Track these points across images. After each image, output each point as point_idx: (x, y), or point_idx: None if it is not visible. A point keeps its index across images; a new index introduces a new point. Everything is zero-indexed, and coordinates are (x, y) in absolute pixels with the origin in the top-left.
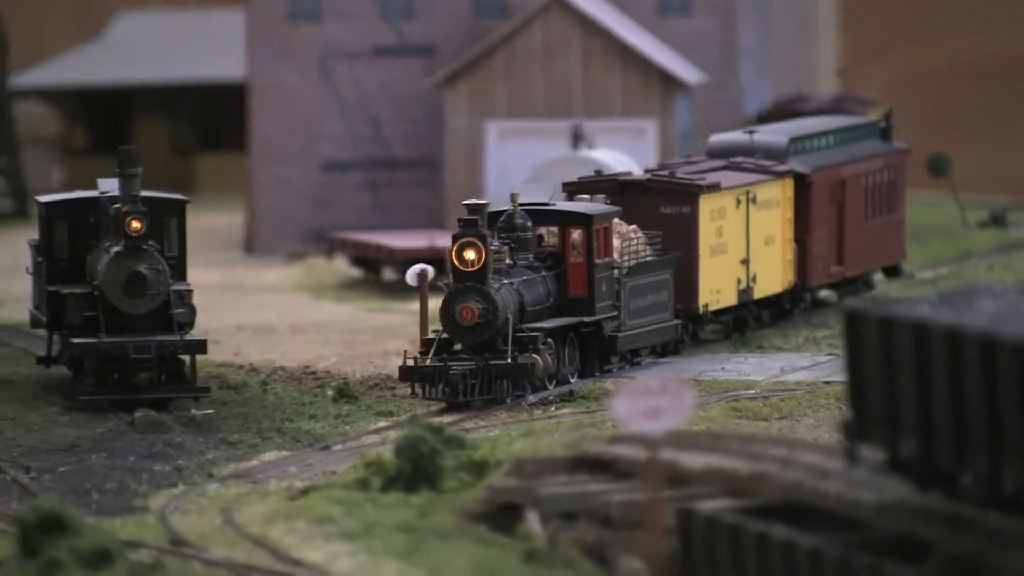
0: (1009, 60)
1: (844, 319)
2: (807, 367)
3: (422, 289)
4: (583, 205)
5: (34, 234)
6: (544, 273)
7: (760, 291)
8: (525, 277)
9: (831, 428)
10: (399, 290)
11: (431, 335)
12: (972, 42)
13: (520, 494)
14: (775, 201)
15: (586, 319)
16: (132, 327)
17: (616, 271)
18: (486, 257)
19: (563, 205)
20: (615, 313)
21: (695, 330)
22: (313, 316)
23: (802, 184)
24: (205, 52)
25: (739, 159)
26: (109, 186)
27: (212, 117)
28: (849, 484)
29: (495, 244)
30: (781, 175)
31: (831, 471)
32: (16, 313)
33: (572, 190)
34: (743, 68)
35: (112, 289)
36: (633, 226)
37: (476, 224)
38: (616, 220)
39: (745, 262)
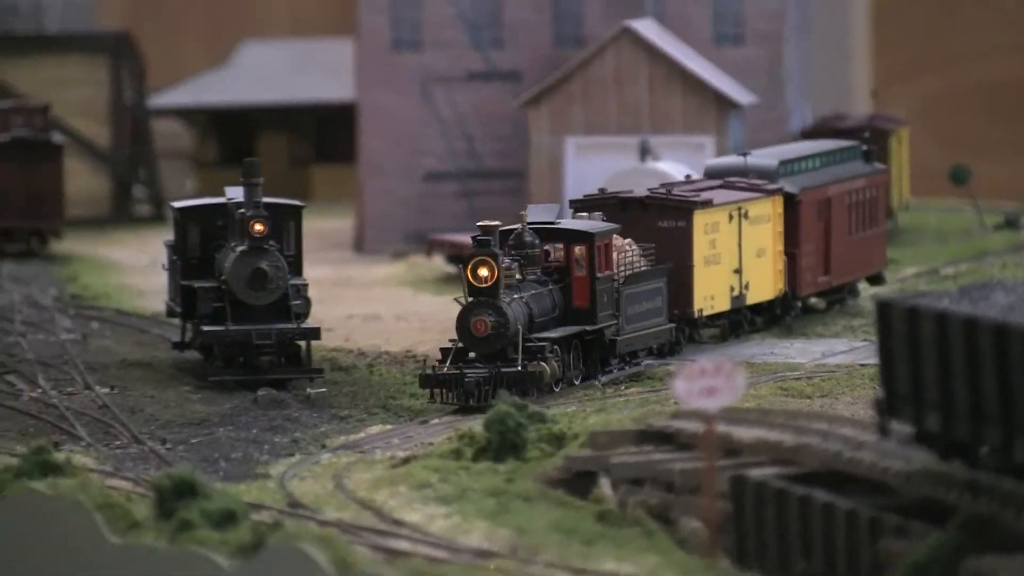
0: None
1: (876, 309)
2: (845, 351)
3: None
4: (585, 224)
5: (169, 235)
6: (551, 286)
7: (752, 298)
8: (533, 291)
9: (865, 405)
10: None
11: (447, 344)
12: (990, 68)
13: (593, 463)
14: (766, 217)
15: (589, 328)
16: (255, 317)
17: (614, 281)
18: (498, 274)
19: (567, 223)
20: (615, 321)
21: (691, 333)
22: (414, 307)
23: (791, 203)
24: (319, 76)
25: (734, 179)
26: (235, 193)
27: (325, 134)
28: (880, 454)
29: (506, 261)
30: (771, 193)
31: (865, 443)
32: (154, 304)
33: (579, 207)
34: (787, 91)
35: (238, 283)
36: (628, 240)
37: (489, 244)
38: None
39: (738, 271)
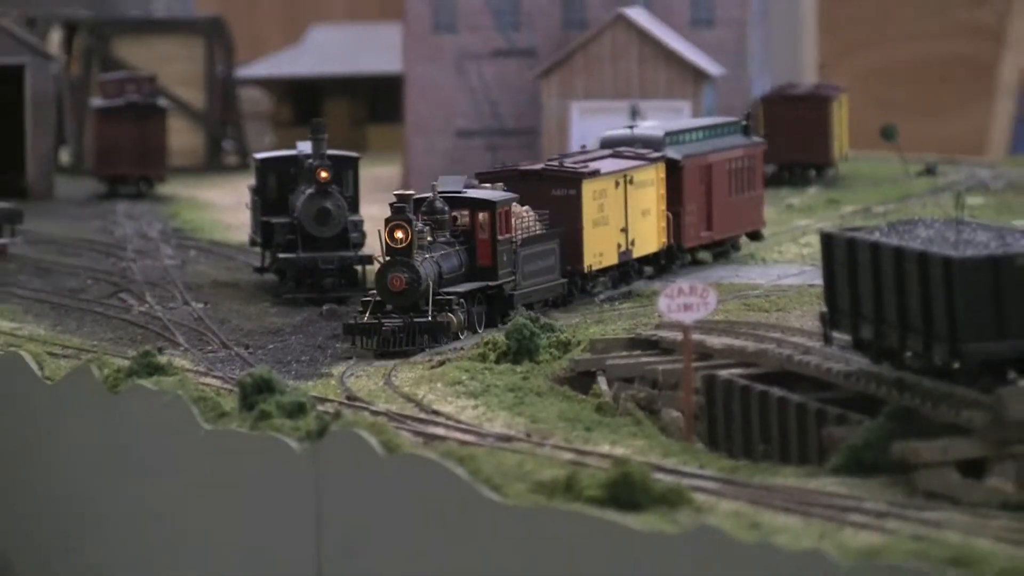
0: (943, 61)
1: (822, 240)
2: (796, 275)
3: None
4: (488, 193)
5: (252, 181)
6: (458, 247)
7: (638, 252)
8: (442, 251)
9: (812, 318)
10: None
11: (367, 297)
12: (915, 48)
13: (593, 364)
14: (650, 181)
15: (491, 283)
16: (320, 246)
17: (513, 243)
18: (411, 237)
19: (472, 193)
20: (513, 277)
21: (583, 285)
22: None
23: (676, 168)
24: (373, 53)
25: (623, 149)
26: (305, 147)
27: (378, 99)
28: (825, 358)
29: (419, 225)
30: (654, 161)
31: (812, 349)
32: (239, 236)
33: (484, 179)
34: (750, 65)
35: (306, 219)
36: (526, 207)
37: (404, 210)
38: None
39: (624, 230)
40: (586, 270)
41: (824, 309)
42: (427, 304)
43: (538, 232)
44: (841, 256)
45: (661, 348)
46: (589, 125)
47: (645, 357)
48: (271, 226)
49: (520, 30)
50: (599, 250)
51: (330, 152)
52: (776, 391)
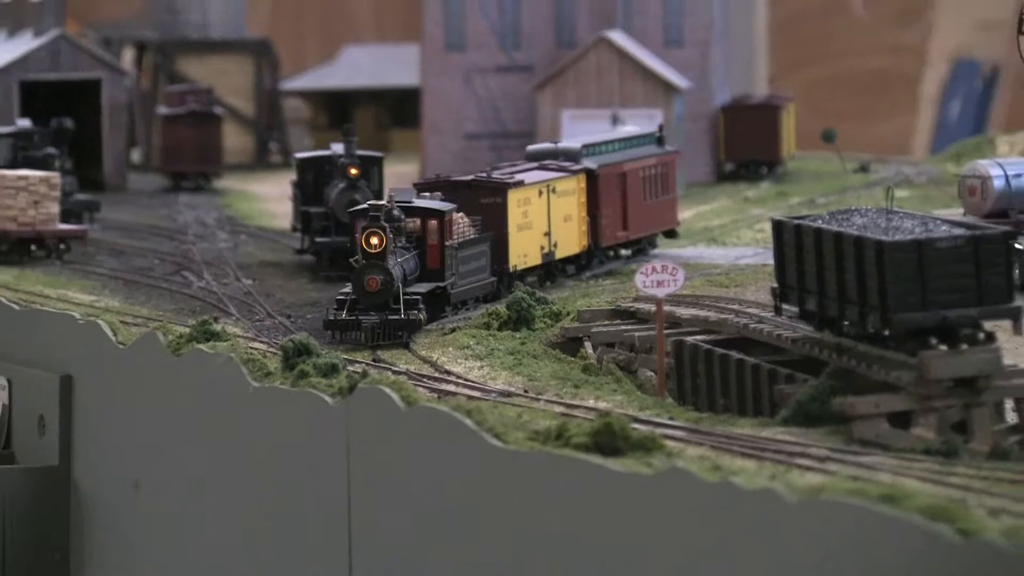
0: (875, 75)
1: (773, 226)
2: (751, 256)
3: None
4: (435, 203)
5: (293, 177)
6: (413, 252)
7: (560, 253)
8: (403, 256)
9: (766, 292)
10: None
11: (341, 296)
12: (852, 63)
13: (580, 331)
14: (572, 190)
15: (440, 284)
16: (351, 231)
17: (453, 247)
18: (386, 242)
19: (422, 203)
20: (453, 278)
21: (509, 283)
22: None
23: (593, 176)
24: (397, 69)
25: (547, 161)
26: (338, 148)
27: (401, 107)
28: (776, 326)
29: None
30: (575, 172)
31: (765, 318)
32: (283, 223)
33: (422, 189)
34: (713, 79)
35: (339, 209)
36: (460, 214)
37: (379, 219)
38: None
39: (547, 234)
40: (511, 270)
41: (775, 285)
42: (397, 302)
43: (471, 236)
44: (789, 240)
45: (638, 318)
46: (578, 129)
47: (624, 325)
48: (309, 215)
49: (520, 49)
50: (524, 252)
51: (359, 152)
52: (735, 354)
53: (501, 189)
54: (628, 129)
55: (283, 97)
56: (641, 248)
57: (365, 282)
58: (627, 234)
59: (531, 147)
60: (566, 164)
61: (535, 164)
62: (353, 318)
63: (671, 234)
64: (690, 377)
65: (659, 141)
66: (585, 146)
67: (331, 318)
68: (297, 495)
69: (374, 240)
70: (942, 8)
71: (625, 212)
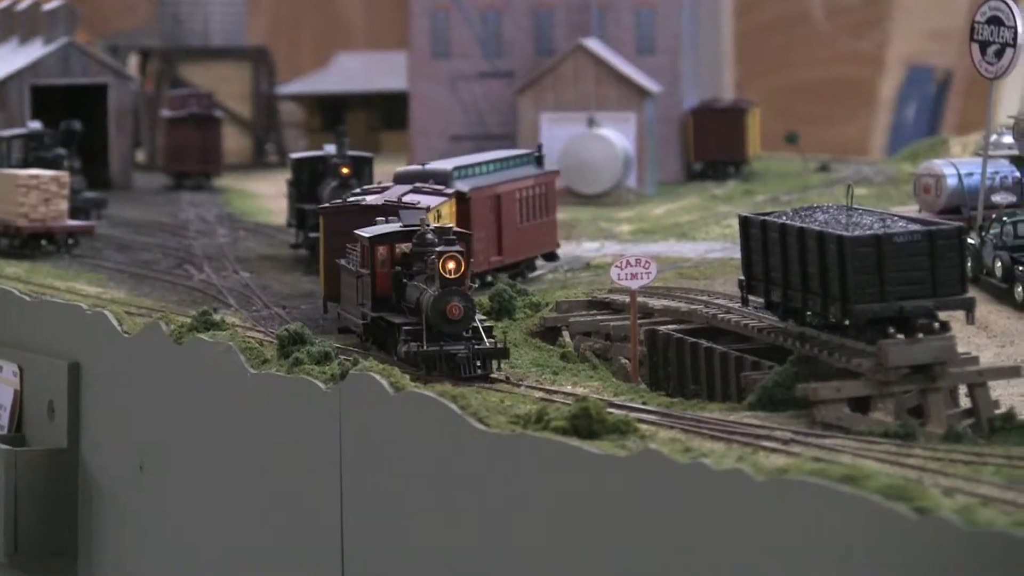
0: (835, 81)
1: (740, 222)
2: (719, 250)
3: None
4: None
5: (288, 176)
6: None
7: None
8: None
9: (732, 285)
10: None
11: (414, 327)
12: (815, 70)
13: (559, 321)
14: (446, 214)
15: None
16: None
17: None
18: (465, 267)
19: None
20: None
21: None
22: None
23: (464, 200)
24: (387, 75)
25: (420, 184)
26: (330, 149)
27: (391, 111)
28: (743, 316)
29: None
30: (449, 196)
31: (733, 308)
32: (279, 219)
33: (327, 212)
34: (682, 84)
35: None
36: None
37: (454, 242)
38: None
39: None
40: None
41: (742, 277)
42: (477, 332)
43: None
44: (755, 235)
45: (613, 308)
46: (556, 131)
47: (600, 315)
48: (304, 212)
49: (501, 56)
50: None
51: (351, 152)
52: (704, 343)
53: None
54: (503, 152)
55: (279, 101)
56: (520, 272)
57: (447, 309)
58: (501, 259)
59: (400, 169)
60: (438, 188)
61: (409, 187)
62: (437, 349)
63: (551, 256)
64: (662, 364)
65: (538, 161)
66: (456, 168)
67: (413, 350)
68: (292, 476)
69: (451, 265)
70: (897, 18)
71: (500, 236)
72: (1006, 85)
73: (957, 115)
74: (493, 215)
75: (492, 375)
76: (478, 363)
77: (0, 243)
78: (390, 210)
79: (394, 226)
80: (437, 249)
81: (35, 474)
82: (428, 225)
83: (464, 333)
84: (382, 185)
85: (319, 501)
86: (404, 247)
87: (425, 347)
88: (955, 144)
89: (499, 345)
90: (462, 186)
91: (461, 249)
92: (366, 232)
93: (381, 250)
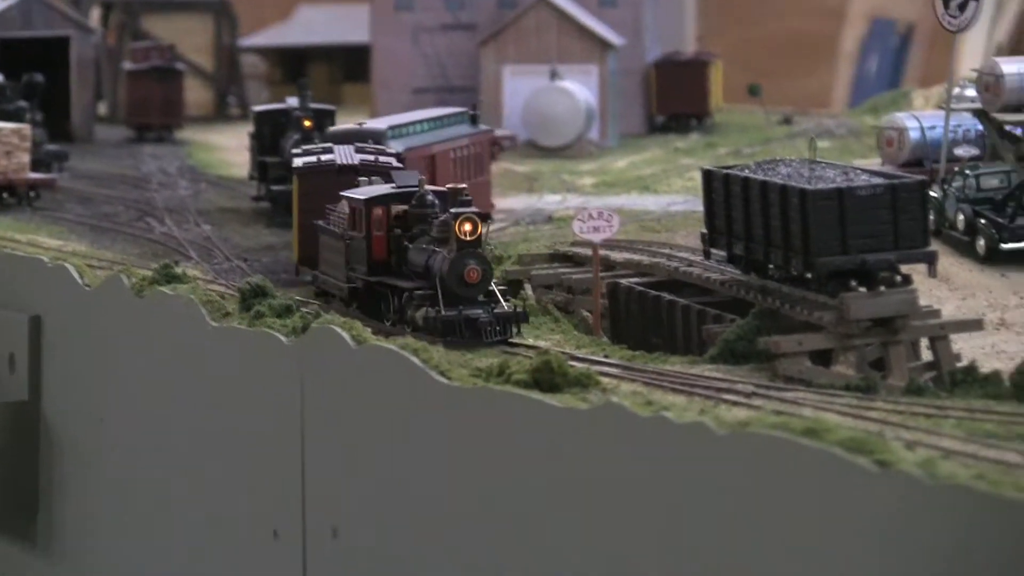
0: (797, 34)
1: (702, 175)
2: (682, 203)
3: None
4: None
5: (251, 128)
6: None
7: None
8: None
9: (695, 238)
10: None
11: (426, 292)
12: (777, 23)
13: (521, 274)
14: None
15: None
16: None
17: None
18: (480, 229)
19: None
20: None
21: None
22: None
23: (399, 160)
24: (348, 28)
25: (361, 144)
26: (293, 102)
27: (353, 63)
28: (705, 269)
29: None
30: (391, 155)
31: (695, 262)
32: (241, 172)
33: (302, 172)
34: (645, 37)
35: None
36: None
37: (470, 203)
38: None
39: None
40: None
41: (704, 231)
42: (494, 295)
43: None
44: (718, 188)
45: (575, 261)
46: (518, 83)
47: (562, 268)
48: (266, 164)
49: (464, 9)
50: None
51: (313, 105)
52: (666, 295)
53: (387, 172)
54: (438, 110)
55: (241, 54)
56: None
57: (465, 272)
58: None
59: (332, 128)
60: (381, 147)
61: (351, 146)
62: (457, 314)
63: (484, 217)
64: (624, 317)
65: (473, 120)
66: (391, 127)
67: (432, 316)
68: (253, 429)
69: (468, 227)
70: None
71: None
72: (969, 38)
73: (920, 68)
74: (428, 175)
75: (511, 339)
76: (499, 328)
77: None
78: (368, 170)
79: (385, 187)
80: (454, 210)
81: None
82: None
83: (483, 297)
84: (323, 146)
85: (280, 454)
86: (400, 209)
87: (443, 312)
88: (918, 97)
89: (518, 309)
90: (397, 146)
91: (478, 210)
92: (359, 193)
93: (377, 212)
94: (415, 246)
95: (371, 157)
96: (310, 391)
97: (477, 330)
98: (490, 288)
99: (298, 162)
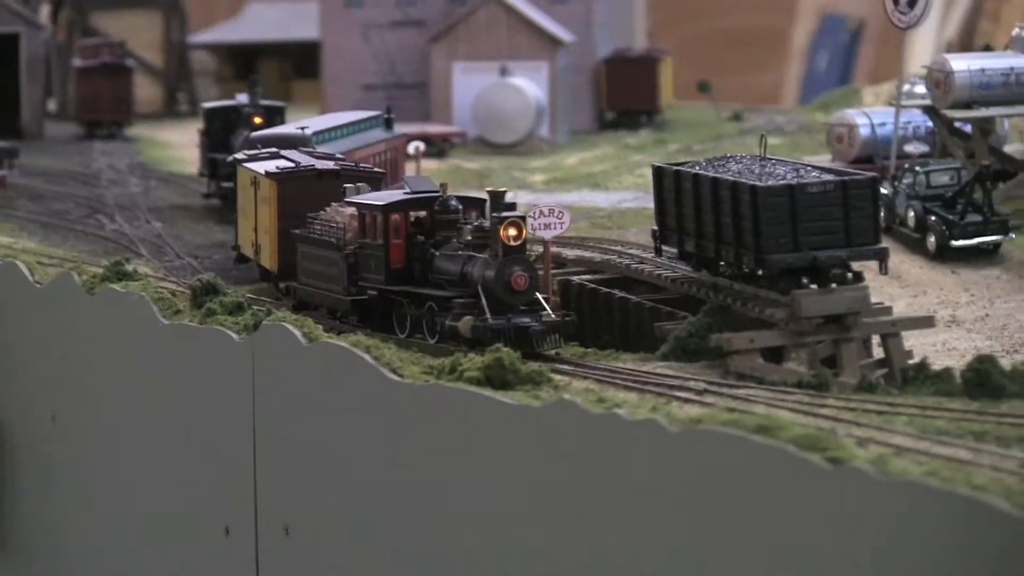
0: (748, 30)
1: (653, 172)
2: (632, 200)
3: (418, 157)
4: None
5: (201, 125)
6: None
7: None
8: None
9: (646, 234)
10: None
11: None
12: (728, 19)
13: None
14: None
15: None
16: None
17: None
18: (526, 234)
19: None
20: None
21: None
22: None
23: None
24: (299, 24)
25: (290, 152)
26: (243, 98)
27: (303, 60)
28: (656, 266)
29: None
30: (322, 157)
31: (646, 259)
32: (191, 169)
33: (281, 178)
34: (595, 33)
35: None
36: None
37: (515, 207)
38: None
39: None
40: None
41: (655, 227)
42: (538, 303)
43: None
44: (669, 185)
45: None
46: (469, 80)
47: None
48: (216, 161)
49: (414, 5)
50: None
51: (263, 102)
52: (618, 293)
53: (375, 179)
54: (357, 113)
55: (191, 50)
56: None
57: (512, 280)
58: None
59: (256, 133)
60: (312, 151)
61: (274, 151)
62: (504, 322)
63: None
64: (576, 314)
65: (387, 124)
66: (316, 133)
67: (481, 325)
68: (205, 426)
69: (513, 231)
70: None
71: None
72: (919, 35)
73: (870, 64)
74: None
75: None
76: (551, 337)
77: None
78: (350, 176)
79: (398, 193)
80: (497, 215)
81: None
82: (447, 191)
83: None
84: (270, 151)
85: (232, 452)
86: (417, 214)
87: (492, 321)
88: (868, 94)
89: (566, 317)
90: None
91: (523, 215)
92: (376, 200)
93: (395, 218)
94: (442, 253)
95: (335, 163)
96: (262, 389)
97: (527, 339)
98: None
99: (268, 167)
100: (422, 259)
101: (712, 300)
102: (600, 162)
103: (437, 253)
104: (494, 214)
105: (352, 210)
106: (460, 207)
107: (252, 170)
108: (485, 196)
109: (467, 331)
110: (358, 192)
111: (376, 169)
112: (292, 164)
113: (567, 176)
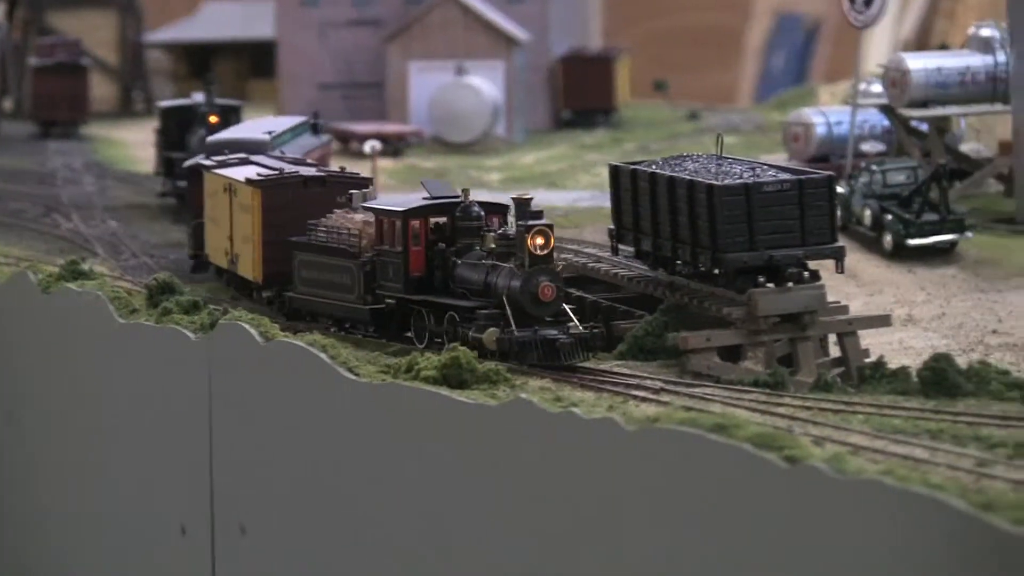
0: (704, 29)
1: (610, 171)
2: (589, 199)
3: (374, 156)
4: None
5: (156, 124)
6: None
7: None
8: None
9: (603, 233)
10: (365, 157)
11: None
12: (684, 18)
13: None
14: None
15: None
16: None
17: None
18: (553, 243)
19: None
20: None
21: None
22: None
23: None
24: (255, 23)
25: (259, 157)
26: (198, 97)
27: (259, 59)
28: (613, 265)
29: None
30: (292, 163)
31: (603, 258)
32: (146, 168)
33: (266, 185)
34: (552, 33)
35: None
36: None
37: (542, 215)
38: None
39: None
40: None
41: (612, 226)
42: (566, 314)
43: None
44: (625, 183)
45: None
46: (424, 80)
47: None
48: (172, 160)
49: (369, 5)
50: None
51: (219, 101)
52: (574, 291)
53: (360, 184)
54: (288, 119)
55: (147, 49)
56: None
57: (539, 290)
58: None
59: (212, 137)
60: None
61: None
62: (531, 334)
63: None
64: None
65: (314, 129)
66: (273, 137)
67: (508, 337)
68: (162, 425)
69: (540, 240)
70: None
71: None
72: (875, 34)
73: (826, 64)
74: None
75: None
76: (579, 350)
77: None
78: (336, 181)
79: (416, 198)
80: (523, 223)
81: None
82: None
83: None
84: (239, 156)
85: (188, 451)
86: (436, 220)
87: (517, 333)
88: (824, 93)
89: (595, 329)
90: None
91: (550, 223)
92: (395, 205)
93: (415, 224)
94: (464, 261)
95: (314, 170)
96: (218, 387)
97: (555, 352)
98: (571, 307)
99: (247, 173)
100: (443, 267)
101: (669, 299)
102: (556, 161)
103: (459, 261)
104: (519, 222)
105: (364, 216)
106: (483, 213)
107: (226, 176)
108: (507, 202)
109: (492, 343)
110: (365, 198)
111: (362, 175)
112: (273, 171)
113: (523, 175)
